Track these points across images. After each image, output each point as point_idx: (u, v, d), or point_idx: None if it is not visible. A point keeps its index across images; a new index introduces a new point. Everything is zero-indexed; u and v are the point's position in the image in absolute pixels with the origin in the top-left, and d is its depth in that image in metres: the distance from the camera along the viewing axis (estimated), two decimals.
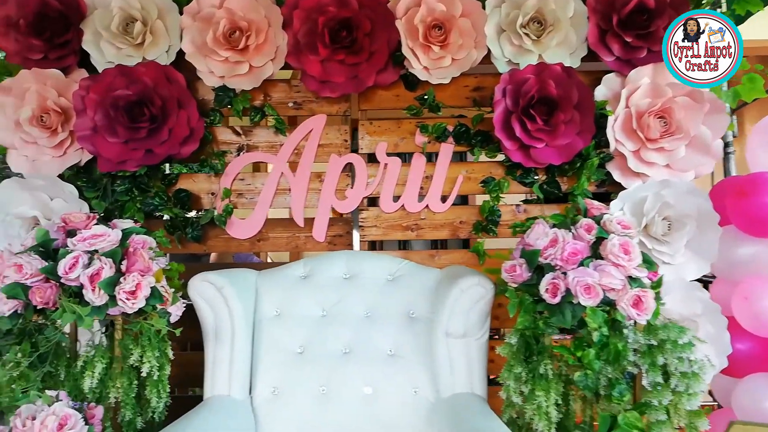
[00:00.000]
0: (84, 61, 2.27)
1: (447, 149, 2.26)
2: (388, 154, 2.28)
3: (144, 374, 1.57)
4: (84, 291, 1.49)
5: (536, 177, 2.24)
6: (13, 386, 1.49)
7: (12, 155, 2.27)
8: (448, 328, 1.71)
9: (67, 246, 1.55)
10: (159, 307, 1.61)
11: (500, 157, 2.25)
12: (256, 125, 2.33)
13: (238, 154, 2.31)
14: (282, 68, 2.27)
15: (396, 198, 2.27)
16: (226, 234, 2.28)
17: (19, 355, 1.47)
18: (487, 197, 2.24)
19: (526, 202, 2.29)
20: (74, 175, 2.26)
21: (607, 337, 1.52)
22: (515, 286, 1.64)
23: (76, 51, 2.24)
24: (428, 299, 1.86)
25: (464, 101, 2.29)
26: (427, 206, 2.26)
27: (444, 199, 2.26)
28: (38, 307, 1.51)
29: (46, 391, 1.38)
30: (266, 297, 1.89)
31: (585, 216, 1.66)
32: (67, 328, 1.63)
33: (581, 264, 1.56)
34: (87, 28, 2.22)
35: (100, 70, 2.22)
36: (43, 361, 1.49)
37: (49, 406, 1.33)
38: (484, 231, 2.23)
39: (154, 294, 1.58)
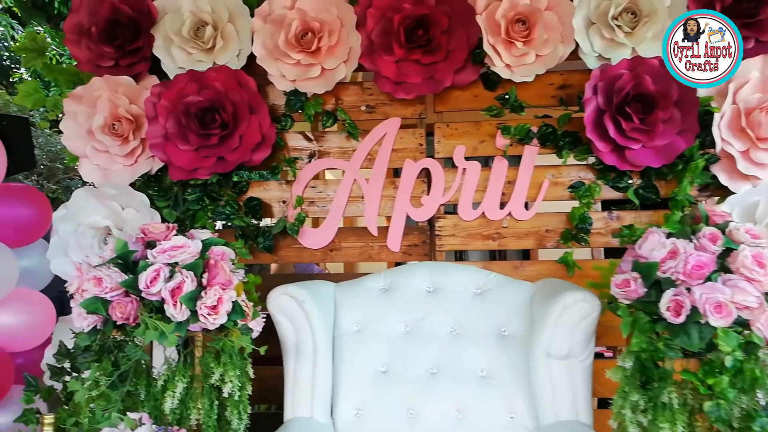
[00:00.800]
0: (154, 67, 2.23)
1: (531, 152, 2.11)
2: (467, 158, 2.15)
3: (226, 394, 1.48)
4: (165, 306, 1.42)
5: (630, 181, 2.06)
6: (92, 406, 1.42)
7: (84, 164, 2.25)
8: (550, 348, 1.56)
9: (147, 258, 1.47)
10: (240, 322, 1.52)
11: (590, 160, 2.08)
12: (327, 130, 2.23)
13: (310, 161, 2.22)
14: (355, 70, 2.17)
15: (476, 205, 2.13)
16: (297, 244, 2.19)
17: (99, 373, 1.40)
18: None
19: (618, 208, 2.11)
20: (145, 183, 2.22)
21: (741, 362, 1.34)
22: (628, 302, 1.47)
23: (146, 57, 2.20)
24: (521, 316, 1.71)
25: (549, 100, 2.13)
26: (509, 214, 2.11)
27: (527, 206, 2.11)
28: (118, 323, 1.43)
29: (128, 413, 1.30)
30: (345, 311, 1.78)
31: (707, 224, 1.48)
32: None
33: (708, 279, 1.38)
34: (158, 34, 2.18)
35: (170, 77, 2.18)
36: (123, 380, 1.41)
37: (133, 430, 1.25)
38: (574, 240, 2.06)
39: (236, 309, 1.50)
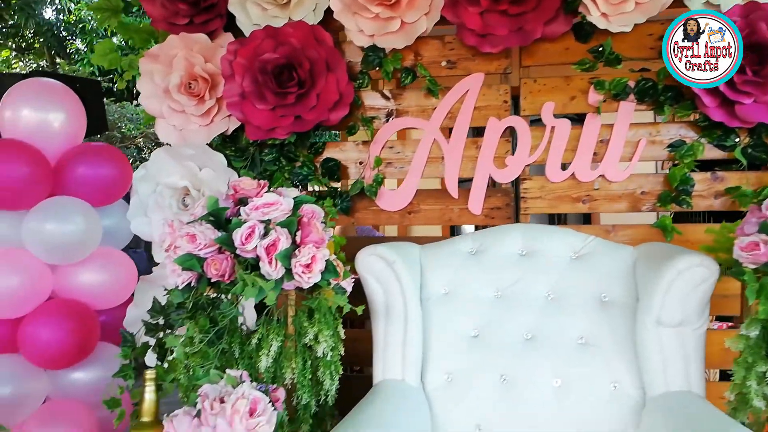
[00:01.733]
0: (229, 24, 2.17)
1: (628, 108, 1.96)
2: (555, 116, 2.02)
3: (319, 354, 1.44)
4: (261, 264, 1.38)
5: (738, 139, 1.90)
6: (186, 363, 1.41)
7: (160, 125, 2.23)
8: (661, 315, 1.45)
9: (240, 215, 1.43)
10: (332, 282, 1.47)
11: (693, 117, 1.92)
12: (405, 88, 2.14)
13: (387, 120, 2.14)
14: (436, 24, 2.05)
15: (564, 166, 2.01)
16: (375, 206, 2.13)
17: (195, 330, 1.38)
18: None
19: (721, 168, 1.95)
20: (221, 144, 2.19)
21: None
22: (754, 267, 1.34)
23: (221, 14, 2.15)
24: (623, 281, 1.60)
25: (648, 52, 1.97)
26: (602, 175, 1.98)
27: (623, 167, 1.97)
28: (212, 280, 1.41)
29: (228, 370, 1.28)
30: (432, 274, 1.71)
31: None
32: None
33: None
34: None
35: (246, 34, 2.12)
36: (219, 337, 1.39)
37: (234, 387, 1.22)
38: (674, 202, 1.92)
39: (329, 268, 1.45)
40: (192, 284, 1.44)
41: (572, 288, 1.63)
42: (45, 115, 1.97)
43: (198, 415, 1.18)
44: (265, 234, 1.39)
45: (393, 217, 2.14)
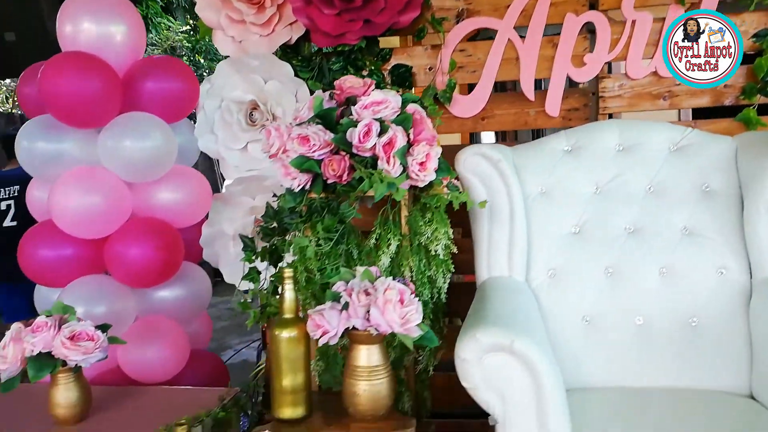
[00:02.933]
0: None
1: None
2: (636, 9, 1.94)
3: (433, 252, 1.45)
4: (379, 162, 1.35)
5: None
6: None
7: (218, 36, 2.13)
8: None
9: (351, 115, 1.39)
10: (444, 180, 1.45)
11: None
12: None
13: (458, 21, 2.05)
14: None
15: (646, 62, 1.95)
16: (447, 113, 2.08)
17: (320, 232, 1.37)
18: None
19: None
20: (283, 55, 2.11)
21: None
22: None
23: None
24: (725, 171, 1.60)
25: None
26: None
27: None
28: (329, 182, 1.38)
29: (358, 267, 1.28)
30: (528, 174, 1.69)
31: None
32: None
33: None
34: None
35: None
36: (342, 236, 1.39)
37: (372, 282, 1.23)
38: (761, 94, 1.89)
39: (441, 166, 1.42)
40: (306, 188, 1.42)
41: (673, 180, 1.63)
42: (106, 28, 1.87)
43: (345, 308, 1.19)
44: (382, 132, 1.35)
45: (466, 123, 2.10)
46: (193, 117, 2.20)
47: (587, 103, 2.02)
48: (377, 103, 1.40)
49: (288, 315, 1.24)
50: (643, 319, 1.55)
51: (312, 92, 1.97)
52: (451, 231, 1.51)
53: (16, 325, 1.42)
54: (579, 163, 1.69)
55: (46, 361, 1.38)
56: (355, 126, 1.36)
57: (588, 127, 1.74)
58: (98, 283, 1.83)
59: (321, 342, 1.17)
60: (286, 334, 1.23)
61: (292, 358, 1.22)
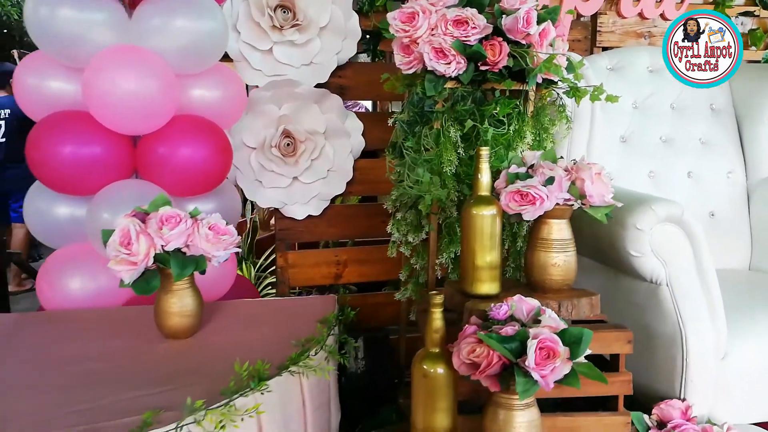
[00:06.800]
0: None
1: None
2: None
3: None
4: (536, 48, 1.37)
5: None
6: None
7: None
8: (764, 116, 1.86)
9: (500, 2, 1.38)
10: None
11: None
12: None
13: None
14: None
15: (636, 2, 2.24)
16: None
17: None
18: None
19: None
20: None
21: None
22: None
23: None
24: (724, 92, 1.97)
25: None
26: (662, 13, 2.27)
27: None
28: (481, 68, 1.35)
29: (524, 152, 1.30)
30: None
31: None
32: None
33: None
34: None
35: None
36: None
37: (553, 162, 1.26)
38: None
39: (570, 66, 1.49)
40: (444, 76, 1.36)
41: (690, 99, 1.95)
42: None
43: (549, 182, 1.20)
44: (538, 21, 1.37)
45: None
46: None
47: (587, 36, 2.25)
48: None
49: (484, 192, 1.21)
50: None
51: None
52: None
53: (130, 220, 1.11)
54: (623, 80, 1.91)
55: (181, 258, 1.12)
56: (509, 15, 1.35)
57: (624, 51, 1.97)
58: (140, 190, 1.47)
59: (532, 215, 1.17)
60: (486, 212, 1.20)
61: (489, 235, 1.20)
